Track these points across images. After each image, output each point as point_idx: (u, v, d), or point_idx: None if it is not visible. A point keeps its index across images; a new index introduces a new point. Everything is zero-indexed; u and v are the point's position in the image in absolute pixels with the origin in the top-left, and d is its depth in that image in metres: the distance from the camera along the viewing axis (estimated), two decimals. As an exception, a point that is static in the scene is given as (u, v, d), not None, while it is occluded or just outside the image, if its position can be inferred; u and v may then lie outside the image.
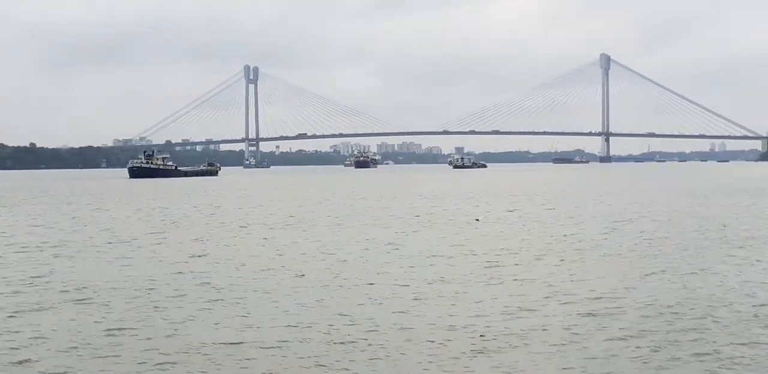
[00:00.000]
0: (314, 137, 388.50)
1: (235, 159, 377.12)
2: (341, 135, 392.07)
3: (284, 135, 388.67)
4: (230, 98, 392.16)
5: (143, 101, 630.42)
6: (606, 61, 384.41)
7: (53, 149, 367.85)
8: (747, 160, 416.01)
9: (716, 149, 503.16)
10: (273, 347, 13.39)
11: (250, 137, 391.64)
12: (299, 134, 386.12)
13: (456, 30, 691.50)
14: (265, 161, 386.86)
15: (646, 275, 20.96)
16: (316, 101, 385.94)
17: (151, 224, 40.85)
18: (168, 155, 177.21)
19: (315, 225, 38.41)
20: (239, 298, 18.04)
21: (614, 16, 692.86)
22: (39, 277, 21.68)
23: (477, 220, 40.64)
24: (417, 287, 19.29)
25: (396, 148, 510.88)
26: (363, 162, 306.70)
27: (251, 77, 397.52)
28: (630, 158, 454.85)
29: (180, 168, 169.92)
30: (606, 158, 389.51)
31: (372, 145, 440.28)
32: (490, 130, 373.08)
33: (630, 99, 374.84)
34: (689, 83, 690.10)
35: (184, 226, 39.23)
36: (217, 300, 17.86)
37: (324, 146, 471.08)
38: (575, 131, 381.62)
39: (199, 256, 26.22)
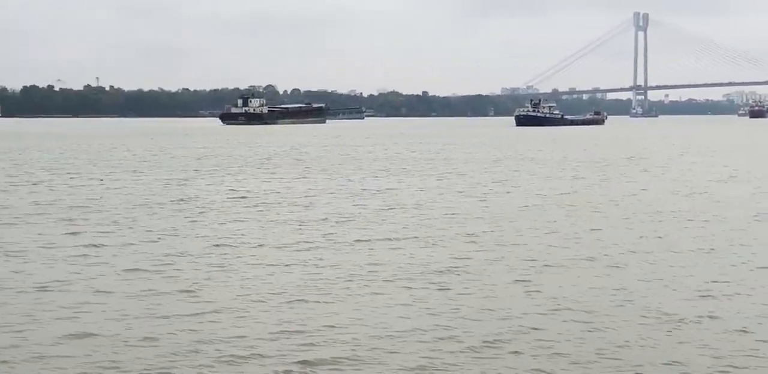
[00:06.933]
0: (700, 85, 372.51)
1: (622, 108, 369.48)
2: (731, 84, 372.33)
3: (673, 84, 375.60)
4: (618, 46, 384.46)
5: (536, 49, 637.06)
6: None
7: (444, 97, 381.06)
8: None
9: None
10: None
11: (637, 85, 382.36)
12: (686, 84, 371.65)
13: None
14: (654, 110, 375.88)
15: None
16: (709, 48, 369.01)
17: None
18: (554, 104, 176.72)
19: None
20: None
21: None
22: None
23: None
24: None
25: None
26: (758, 111, 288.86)
27: (641, 24, 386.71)
28: None
29: (566, 117, 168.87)
30: None
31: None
32: None
33: None
34: None
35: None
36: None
37: (716, 95, 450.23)
38: None
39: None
